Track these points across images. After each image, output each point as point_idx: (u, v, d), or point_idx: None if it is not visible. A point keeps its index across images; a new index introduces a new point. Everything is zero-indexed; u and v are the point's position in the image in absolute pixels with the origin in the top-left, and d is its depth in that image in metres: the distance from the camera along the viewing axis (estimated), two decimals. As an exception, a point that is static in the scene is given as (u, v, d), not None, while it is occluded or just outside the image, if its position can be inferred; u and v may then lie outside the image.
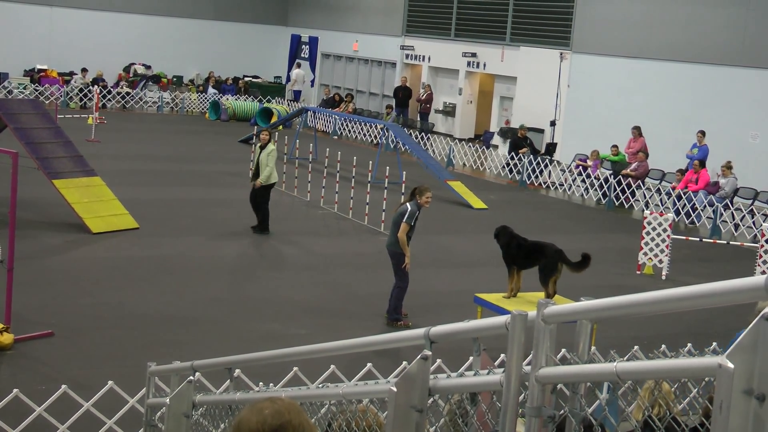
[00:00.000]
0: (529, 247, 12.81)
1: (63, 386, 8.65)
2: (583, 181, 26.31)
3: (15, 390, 8.49)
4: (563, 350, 4.40)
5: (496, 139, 33.87)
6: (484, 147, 31.51)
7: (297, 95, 40.95)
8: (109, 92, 38.17)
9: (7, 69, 38.49)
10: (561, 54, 31.31)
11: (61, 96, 36.90)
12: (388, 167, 20.03)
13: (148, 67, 42.08)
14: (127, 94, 38.79)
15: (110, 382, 8.91)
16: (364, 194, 19.79)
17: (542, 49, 32.71)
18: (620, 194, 24.80)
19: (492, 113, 36.05)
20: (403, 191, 18.94)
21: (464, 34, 36.78)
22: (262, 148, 18.06)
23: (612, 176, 25.21)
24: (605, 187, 25.22)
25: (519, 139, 28.88)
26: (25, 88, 37.00)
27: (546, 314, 3.29)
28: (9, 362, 10.78)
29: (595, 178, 25.79)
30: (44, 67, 39.77)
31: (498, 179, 28.55)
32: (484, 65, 35.87)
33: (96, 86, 36.43)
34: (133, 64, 42.07)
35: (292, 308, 13.79)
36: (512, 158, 28.33)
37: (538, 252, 12.64)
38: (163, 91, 40.19)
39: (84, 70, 38.34)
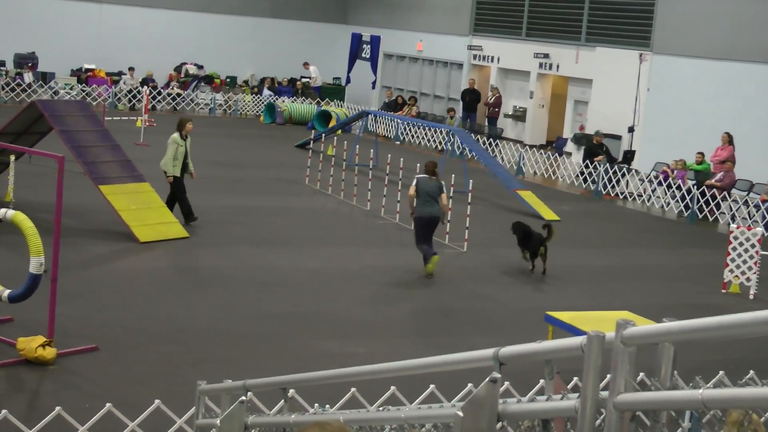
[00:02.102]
0: (528, 235, 17.51)
1: (108, 404, 8.73)
2: (664, 191, 26.03)
3: (57, 408, 8.58)
4: (641, 374, 4.34)
5: (570, 146, 33.65)
6: (556, 154, 31.33)
7: (317, 91, 41.30)
8: (159, 93, 38.62)
9: (53, 69, 39.12)
10: (640, 55, 31.04)
11: (109, 97, 37.43)
12: (453, 175, 20.03)
13: (200, 67, 42.50)
14: (178, 95, 39.21)
15: (157, 401, 8.97)
16: (428, 204, 19.76)
17: (620, 50, 32.45)
18: (704, 206, 24.50)
19: (565, 118, 35.84)
20: (470, 201, 18.91)
21: (536, 34, 36.63)
22: (186, 138, 18.79)
23: (695, 187, 24.91)
24: (688, 198, 24.94)
25: (594, 146, 28.67)
26: (71, 89, 37.58)
27: (626, 336, 3.25)
28: (51, 378, 10.91)
29: (677, 188, 25.49)
30: (92, 66, 40.35)
31: (571, 189, 28.35)
32: (558, 67, 35.68)
33: (145, 87, 36.85)
34: (185, 63, 42.52)
35: (349, 325, 13.80)
36: (587, 166, 28.13)
37: (528, 238, 17.50)
38: (216, 93, 40.57)
39: (132, 70, 38.86)
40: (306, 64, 42.08)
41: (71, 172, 15.24)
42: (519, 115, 37.77)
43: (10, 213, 11.02)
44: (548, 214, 22.94)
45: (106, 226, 18.17)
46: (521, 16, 37.22)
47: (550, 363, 3.99)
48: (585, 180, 28.18)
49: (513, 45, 37.40)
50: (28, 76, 37.54)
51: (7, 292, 11.28)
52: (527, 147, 33.21)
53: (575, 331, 11.36)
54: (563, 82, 36.41)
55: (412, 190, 16.59)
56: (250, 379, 7.29)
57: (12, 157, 17.55)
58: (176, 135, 18.81)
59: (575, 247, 20.34)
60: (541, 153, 31.50)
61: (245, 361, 11.85)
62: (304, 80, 42.17)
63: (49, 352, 11.18)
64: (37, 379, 10.85)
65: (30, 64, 38.35)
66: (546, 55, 35.94)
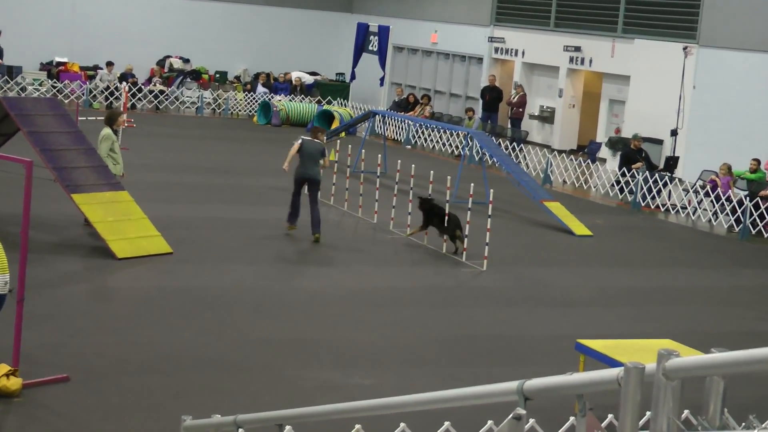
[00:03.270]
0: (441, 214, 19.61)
1: (81, 442, 8.74)
2: (712, 203, 25.99)
3: (24, 445, 8.60)
4: (686, 412, 4.34)
5: (604, 152, 33.65)
6: (588, 161, 31.32)
7: (310, 88, 41.59)
8: (140, 90, 38.71)
9: (20, 62, 39.26)
10: (685, 48, 31.06)
11: (83, 94, 37.53)
12: (472, 184, 20.02)
13: (186, 61, 42.63)
14: (161, 92, 39.30)
15: (136, 438, 8.98)
16: (443, 216, 19.79)
17: (662, 42, 32.46)
18: (758, 220, 24.46)
19: (599, 120, 35.85)
20: (490, 213, 18.92)
21: (566, 24, 36.67)
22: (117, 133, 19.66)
23: (747, 198, 24.87)
24: (739, 211, 24.90)
25: (632, 152, 28.67)
26: (41, 85, 37.72)
27: (669, 368, 3.25)
28: (17, 412, 10.91)
29: (726, 200, 25.45)
30: (64, 60, 40.51)
31: (606, 200, 28.35)
32: (590, 61, 35.71)
33: (124, 83, 36.99)
34: (169, 57, 42.66)
35: (354, 353, 13.80)
36: (623, 175, 28.12)
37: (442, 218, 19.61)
38: (204, 90, 40.67)
39: (110, 64, 38.95)
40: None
41: (40, 178, 15.27)
42: (546, 116, 37.78)
43: (-28, 225, 11.04)
44: (579, 228, 22.93)
45: (79, 239, 18.19)
46: (549, 3, 37.27)
47: (583, 398, 3.99)
48: (621, 190, 28.16)
49: (540, 36, 37.43)
50: (-9, 71, 37.70)
51: (-33, 314, 11.29)
52: (555, 152, 33.23)
53: (610, 362, 11.35)
54: (597, 78, 36.42)
55: (294, 150, 20.02)
56: (241, 413, 7.30)
57: (-27, 162, 17.62)
58: (109, 130, 19.22)
59: (610, 266, 20.32)
60: (571, 159, 31.48)
61: (237, 393, 11.85)
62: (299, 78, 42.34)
63: (14, 383, 11.18)
64: (0, 413, 10.86)
65: (-6, 57, 38.52)
66: (577, 48, 35.97)
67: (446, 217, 19.49)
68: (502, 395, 4.34)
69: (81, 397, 11.40)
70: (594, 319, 16.33)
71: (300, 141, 20.16)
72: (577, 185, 29.97)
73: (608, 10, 35.01)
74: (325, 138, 21.12)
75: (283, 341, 13.98)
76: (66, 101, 36.03)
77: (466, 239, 19.19)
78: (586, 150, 35.03)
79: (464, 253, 19.21)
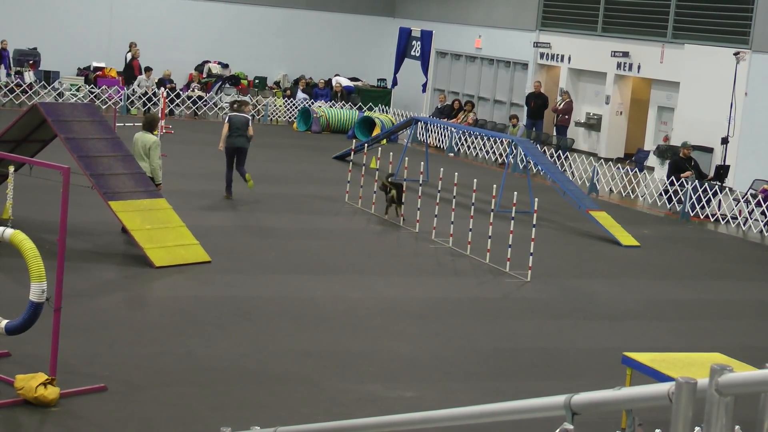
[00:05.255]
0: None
1: (118, 453, 8.79)
2: (764, 213, 25.81)
3: (61, 456, 8.65)
4: (737, 428, 4.32)
5: (652, 160, 33.51)
6: (636, 169, 31.19)
7: (349, 90, 42.04)
8: (178, 96, 38.90)
9: (57, 67, 39.55)
10: (737, 54, 30.88)
11: (121, 100, 37.76)
12: (516, 192, 19.98)
13: (224, 66, 42.79)
14: (200, 98, 39.48)
15: (174, 450, 9.02)
16: (487, 225, 19.74)
17: (713, 47, 32.28)
18: (810, 231, 24.27)
19: (647, 127, 35.69)
20: (534, 223, 18.87)
21: (614, 29, 36.54)
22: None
23: (800, 208, 24.70)
24: (791, 221, 24.73)
25: (681, 160, 28.52)
26: (78, 90, 37.97)
27: (722, 383, 3.23)
28: (54, 422, 10.99)
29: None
30: (102, 65, 40.76)
31: (653, 210, 28.21)
32: (639, 67, 35.56)
33: (162, 89, 37.15)
34: (207, 62, 42.83)
35: (396, 365, 13.80)
36: (672, 184, 27.98)
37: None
38: (243, 96, 40.79)
39: (148, 70, 39.18)
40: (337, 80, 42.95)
41: (78, 185, 15.38)
42: (593, 124, 37.64)
43: (9, 232, 11.12)
44: (626, 239, 22.83)
45: (116, 247, 18.29)
46: (597, 8, 37.15)
47: (632, 413, 3.98)
48: (670, 199, 28.01)
49: (586, 42, 37.32)
50: (28, 76, 38.02)
51: (3, 322, 11.38)
52: (602, 161, 33.10)
53: (658, 376, 11.29)
54: (645, 85, 36.26)
55: (225, 128, 23.43)
56: (281, 426, 7.31)
57: (11, 169, 17.76)
58: (155, 137, 19.67)
59: (658, 278, 20.21)
60: (618, 168, 31.35)
61: (276, 406, 11.88)
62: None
63: (51, 392, 11.25)
64: (37, 422, 10.94)
65: (31, 62, 38.84)
66: (625, 54, 35.83)
67: (388, 186, 22.50)
68: (549, 410, 4.33)
69: (118, 407, 11.46)
70: (641, 332, 16.25)
71: (228, 118, 23.67)
72: (624, 194, 29.84)
73: (657, 15, 34.84)
74: (250, 109, 25.36)
75: (323, 352, 14.00)
76: (103, 107, 36.28)
77: (402, 206, 22.45)
78: (634, 158, 34.87)
79: (401, 218, 22.44)
